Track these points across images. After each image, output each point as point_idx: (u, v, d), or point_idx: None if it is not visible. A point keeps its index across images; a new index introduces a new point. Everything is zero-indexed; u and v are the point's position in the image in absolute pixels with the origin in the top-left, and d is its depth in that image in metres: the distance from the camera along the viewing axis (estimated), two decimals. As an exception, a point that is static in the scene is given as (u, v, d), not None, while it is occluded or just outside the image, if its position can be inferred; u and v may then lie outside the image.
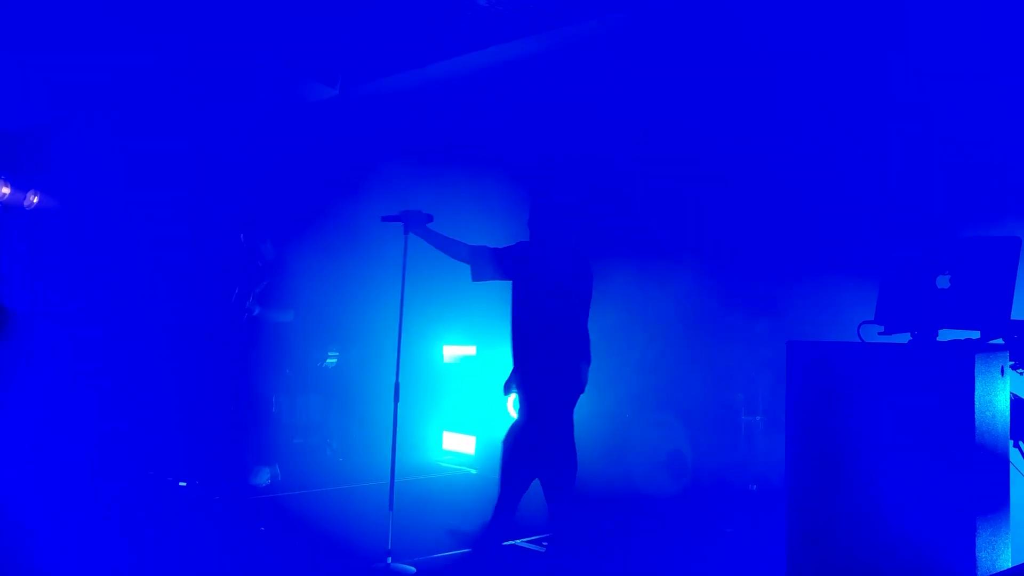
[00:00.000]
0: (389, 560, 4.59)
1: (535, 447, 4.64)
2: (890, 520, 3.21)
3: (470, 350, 8.01)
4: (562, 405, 4.62)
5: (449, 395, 8.07)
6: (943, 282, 3.48)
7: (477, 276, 4.79)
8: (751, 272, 6.08)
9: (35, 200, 7.86)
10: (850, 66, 5.46)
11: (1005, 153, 4.84)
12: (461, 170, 7.70)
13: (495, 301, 5.68)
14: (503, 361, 7.58)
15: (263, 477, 6.83)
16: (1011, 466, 3.43)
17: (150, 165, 8.26)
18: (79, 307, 8.03)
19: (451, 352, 8.22)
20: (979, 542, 3.08)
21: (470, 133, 7.80)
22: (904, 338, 3.52)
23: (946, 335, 3.49)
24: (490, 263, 4.72)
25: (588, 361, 4.69)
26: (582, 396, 6.92)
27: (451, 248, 4.80)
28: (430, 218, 4.82)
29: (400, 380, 4.77)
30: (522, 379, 4.69)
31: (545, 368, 4.62)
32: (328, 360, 8.34)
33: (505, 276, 4.78)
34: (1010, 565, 3.32)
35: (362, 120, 8.30)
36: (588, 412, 7.00)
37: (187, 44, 6.76)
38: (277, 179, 8.33)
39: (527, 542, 5.41)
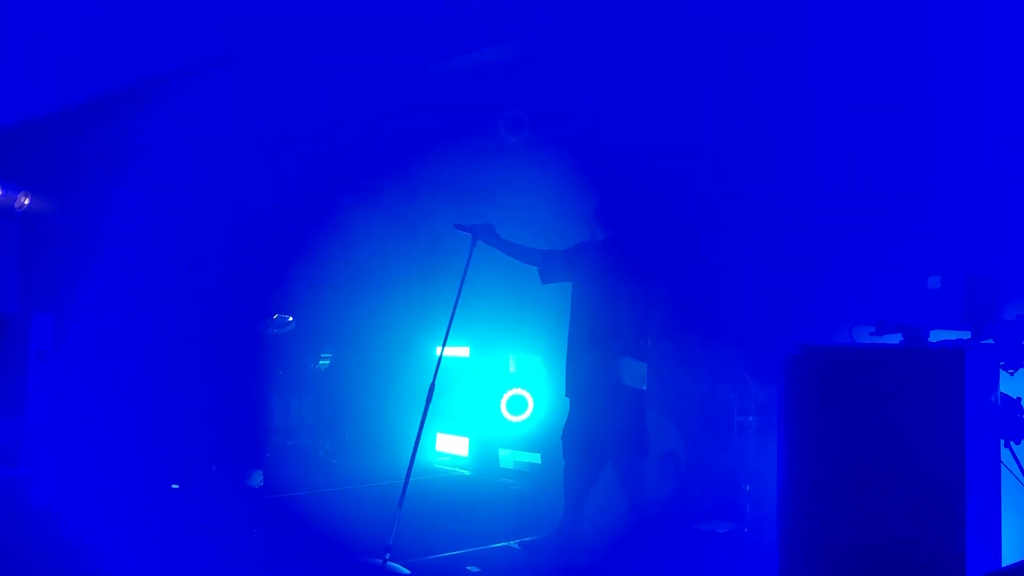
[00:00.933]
0: (387, 556, 4.58)
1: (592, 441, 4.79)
2: (881, 520, 3.22)
3: (463, 351, 8.01)
4: (614, 401, 4.75)
5: (443, 396, 8.05)
6: (934, 283, 3.49)
7: (547, 279, 5.04)
8: (745, 272, 6.08)
9: (26, 202, 7.82)
10: (844, 67, 5.47)
11: (998, 155, 4.86)
12: (449, 172, 7.71)
13: (489, 304, 5.69)
14: (496, 363, 7.62)
15: (257, 479, 6.82)
16: (1002, 465, 3.45)
17: (144, 166, 8.24)
18: (72, 310, 8.00)
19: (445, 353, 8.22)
20: (969, 542, 3.10)
21: (464, 136, 7.80)
22: (895, 339, 3.54)
23: (937, 336, 3.50)
24: (560, 266, 4.96)
25: (641, 359, 4.82)
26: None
27: (521, 253, 5.03)
28: (497, 236, 5.06)
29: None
30: (576, 377, 4.85)
31: (595, 365, 4.76)
32: (321, 362, 8.33)
33: (570, 278, 4.95)
34: (1002, 565, 3.34)
35: (356, 123, 8.28)
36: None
37: (182, 47, 6.74)
38: (272, 182, 8.31)
39: (521, 543, 5.41)
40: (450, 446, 8.02)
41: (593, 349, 4.81)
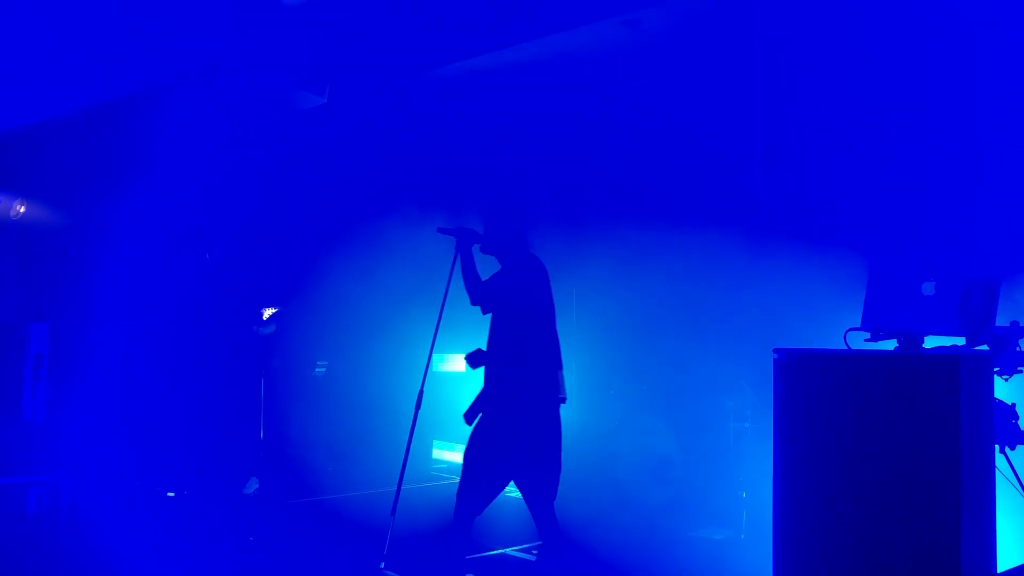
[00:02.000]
0: (382, 565, 4.58)
1: (505, 454, 4.64)
2: (876, 527, 3.22)
3: (459, 365, 7.97)
4: (517, 414, 4.63)
5: (438, 407, 8.01)
6: (928, 289, 3.50)
7: (486, 311, 4.84)
8: (740, 278, 6.10)
9: (22, 209, 7.81)
10: (844, 70, 5.48)
11: (994, 161, 4.87)
12: (447, 176, 7.72)
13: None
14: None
15: (252, 486, 6.81)
16: (996, 471, 3.45)
17: (139, 173, 8.23)
18: (68, 318, 7.98)
19: (449, 362, 8.17)
20: (964, 548, 3.10)
21: (455, 139, 7.82)
22: (890, 345, 3.54)
23: (932, 342, 3.51)
24: (490, 299, 4.73)
25: (536, 368, 4.69)
26: (571, 402, 6.90)
27: (472, 280, 4.78)
28: (479, 239, 4.81)
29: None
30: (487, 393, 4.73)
31: (499, 380, 4.64)
32: (317, 369, 8.32)
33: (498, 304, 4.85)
34: (996, 572, 3.34)
35: (349, 128, 8.30)
36: (578, 419, 7.02)
37: (176, 53, 6.74)
38: (268, 188, 8.31)
39: (517, 550, 5.41)
40: (445, 455, 8.01)
41: (537, 362, 4.61)
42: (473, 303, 4.81)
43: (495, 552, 5.36)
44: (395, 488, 4.72)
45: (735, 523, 5.66)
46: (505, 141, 7.70)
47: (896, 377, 3.26)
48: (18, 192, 7.80)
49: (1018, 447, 3.48)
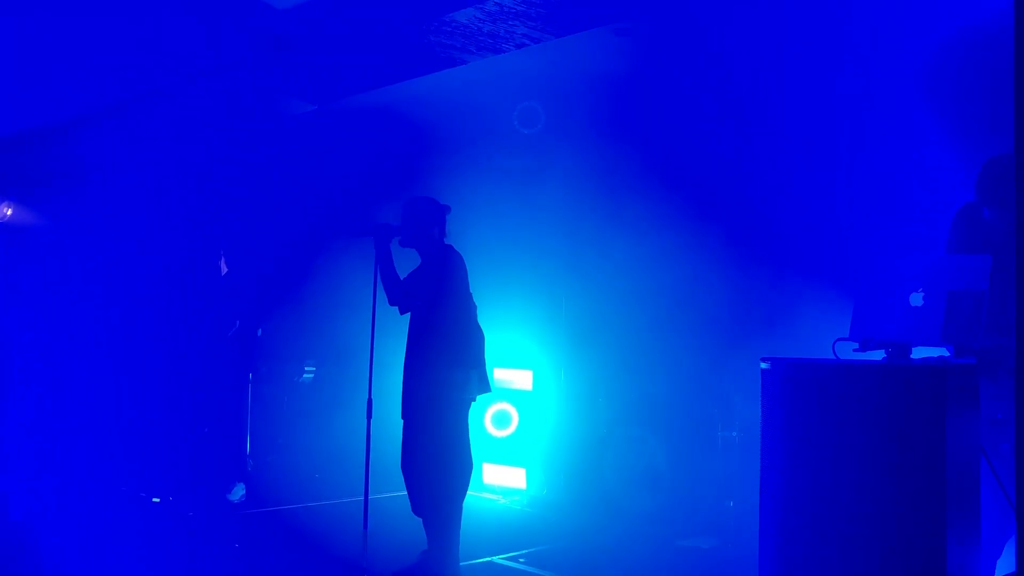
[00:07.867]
0: (364, 577, 4.57)
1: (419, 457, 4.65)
2: (863, 537, 3.23)
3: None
4: (437, 414, 4.64)
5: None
6: (916, 299, 3.51)
7: (404, 311, 4.89)
8: (728, 287, 6.11)
9: (9, 212, 7.77)
10: (833, 76, 5.51)
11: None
12: (438, 179, 7.72)
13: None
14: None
15: (238, 492, 6.77)
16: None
17: (126, 178, 8.21)
18: (52, 319, 7.94)
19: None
20: (950, 558, 3.11)
21: (447, 146, 7.83)
22: (878, 355, 3.55)
23: (920, 353, 3.52)
24: (411, 297, 4.76)
25: (461, 366, 4.67)
26: (560, 410, 6.92)
27: (390, 279, 4.80)
28: (397, 231, 4.78)
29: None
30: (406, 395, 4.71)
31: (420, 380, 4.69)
32: (305, 375, 8.29)
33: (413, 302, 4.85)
34: (982, 580, 3.35)
35: (339, 134, 8.29)
36: (565, 427, 7.03)
37: (167, 60, 6.73)
38: (255, 192, 8.29)
39: (504, 558, 5.40)
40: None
41: (457, 364, 4.66)
42: (391, 303, 4.82)
43: (482, 560, 5.35)
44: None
45: (723, 532, 5.67)
46: (497, 143, 7.72)
47: (884, 387, 3.28)
48: (5, 195, 7.77)
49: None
